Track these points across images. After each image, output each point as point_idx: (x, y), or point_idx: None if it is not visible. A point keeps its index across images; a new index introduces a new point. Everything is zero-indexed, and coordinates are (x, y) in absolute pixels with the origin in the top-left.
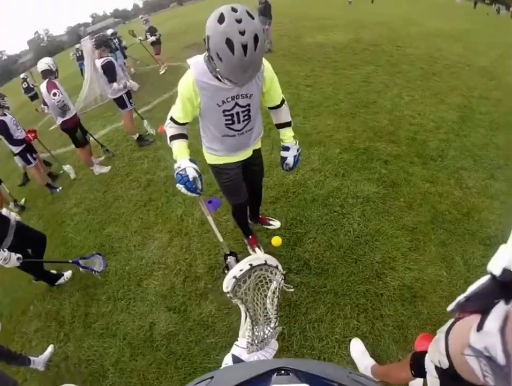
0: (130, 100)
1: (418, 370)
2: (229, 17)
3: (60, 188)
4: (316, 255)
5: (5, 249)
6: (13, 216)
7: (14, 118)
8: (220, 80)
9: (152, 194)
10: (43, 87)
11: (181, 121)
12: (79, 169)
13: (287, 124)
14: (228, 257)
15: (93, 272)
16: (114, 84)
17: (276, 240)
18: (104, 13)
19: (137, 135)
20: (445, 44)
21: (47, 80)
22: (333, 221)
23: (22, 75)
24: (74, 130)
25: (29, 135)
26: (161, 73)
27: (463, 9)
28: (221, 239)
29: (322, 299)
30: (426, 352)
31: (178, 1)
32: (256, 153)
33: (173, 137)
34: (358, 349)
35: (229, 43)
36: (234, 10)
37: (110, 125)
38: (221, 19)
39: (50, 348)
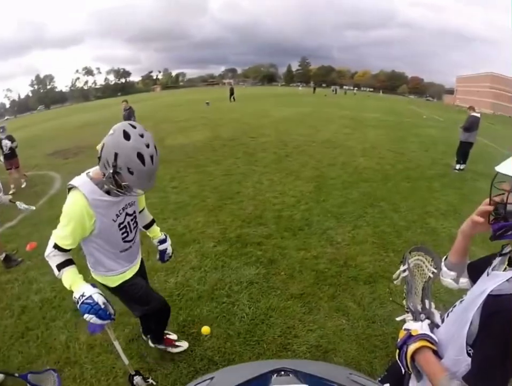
0: None
1: None
2: (133, 134)
3: None
4: (218, 349)
5: None
6: None
7: None
8: (110, 195)
9: (29, 323)
10: None
11: (68, 248)
12: None
13: (153, 221)
14: (135, 377)
15: None
16: None
17: (206, 329)
18: None
19: (3, 255)
20: (292, 128)
21: None
22: (225, 312)
23: None
24: None
25: None
26: (22, 186)
27: (304, 97)
28: (127, 362)
29: None
30: None
31: (46, 104)
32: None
33: (61, 265)
34: None
35: (140, 156)
36: (133, 127)
37: None
38: (127, 136)
39: None
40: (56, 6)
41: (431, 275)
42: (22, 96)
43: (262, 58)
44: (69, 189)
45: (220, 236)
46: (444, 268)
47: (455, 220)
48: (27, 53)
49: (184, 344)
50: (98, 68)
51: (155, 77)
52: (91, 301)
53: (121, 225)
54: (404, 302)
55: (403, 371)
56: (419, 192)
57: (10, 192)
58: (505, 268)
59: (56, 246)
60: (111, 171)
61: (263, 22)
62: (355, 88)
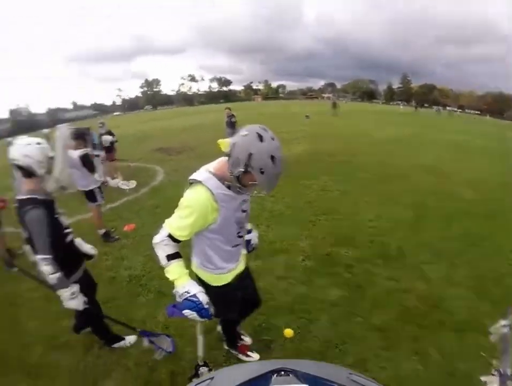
0: (102, 195)
1: None
2: (267, 137)
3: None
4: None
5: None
6: (88, 247)
7: None
8: (231, 190)
9: (115, 293)
10: None
11: (182, 239)
12: None
13: None
14: (201, 368)
15: (159, 350)
16: (96, 174)
17: (288, 332)
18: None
19: (103, 230)
20: (393, 150)
21: None
22: (301, 328)
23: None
24: None
25: None
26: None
27: (406, 116)
28: (201, 353)
29: None
30: None
31: (153, 105)
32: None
33: (171, 257)
34: None
35: (272, 159)
36: (265, 130)
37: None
38: (261, 138)
39: None
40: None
41: None
42: (133, 96)
43: (360, 73)
44: (191, 184)
45: (310, 250)
46: None
47: None
48: (134, 59)
49: (255, 356)
50: (201, 76)
51: (255, 87)
52: (196, 299)
53: (238, 221)
54: (494, 361)
55: None
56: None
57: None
58: None
59: (170, 236)
60: (242, 170)
61: (357, 35)
62: (459, 110)
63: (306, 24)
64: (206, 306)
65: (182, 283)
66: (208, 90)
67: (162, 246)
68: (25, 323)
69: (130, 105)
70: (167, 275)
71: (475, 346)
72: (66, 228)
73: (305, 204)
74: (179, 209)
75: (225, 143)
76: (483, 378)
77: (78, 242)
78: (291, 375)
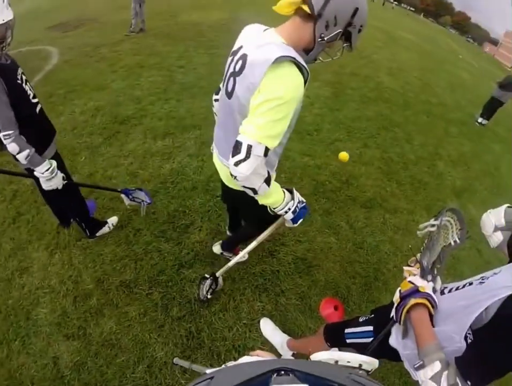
0: None
1: (332, 341)
2: None
3: None
4: (205, 244)
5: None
6: None
7: None
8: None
9: (21, 207)
10: None
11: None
12: None
13: None
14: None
15: (142, 203)
16: None
17: (344, 155)
18: None
19: None
20: None
21: None
22: (217, 207)
23: None
24: None
25: None
26: None
27: None
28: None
29: (221, 289)
30: (336, 323)
31: None
32: None
33: (269, 179)
34: (268, 328)
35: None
36: None
37: None
38: None
39: None
40: None
41: (453, 243)
42: None
43: None
44: (277, 62)
45: None
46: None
47: (462, 172)
48: None
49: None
50: None
51: None
52: (307, 206)
53: None
54: (418, 255)
55: (392, 320)
56: (435, 130)
57: None
58: None
59: (265, 152)
60: (341, 30)
61: None
62: (395, 2)
63: None
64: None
65: (291, 195)
66: None
67: (257, 174)
68: None
69: None
70: (268, 200)
71: (382, 222)
72: (33, 97)
73: (219, 75)
74: (273, 106)
75: (294, 2)
76: (405, 268)
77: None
78: (291, 375)
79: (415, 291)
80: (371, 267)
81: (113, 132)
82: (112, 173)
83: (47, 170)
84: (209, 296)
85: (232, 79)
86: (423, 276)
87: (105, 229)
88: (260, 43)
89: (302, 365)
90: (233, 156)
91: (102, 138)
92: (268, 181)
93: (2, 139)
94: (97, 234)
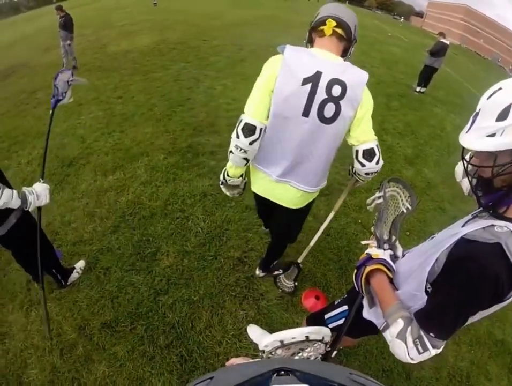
0: None
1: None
2: None
3: None
4: (176, 267)
5: None
6: None
7: None
8: None
9: None
10: None
11: None
12: None
13: None
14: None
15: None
16: None
17: None
18: None
19: None
20: (248, 32)
21: None
22: (180, 228)
23: None
24: None
25: None
26: None
27: None
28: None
29: (201, 307)
30: (317, 312)
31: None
32: None
33: None
34: (255, 333)
35: None
36: None
37: None
38: None
39: None
40: None
41: (405, 211)
42: None
43: None
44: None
45: (170, 147)
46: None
47: (411, 141)
48: None
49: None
50: None
51: None
52: None
53: None
54: (372, 228)
55: (359, 294)
56: (377, 108)
57: None
58: (486, 217)
59: None
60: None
61: None
62: None
63: None
64: None
65: None
66: None
67: None
68: None
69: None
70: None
71: (343, 205)
72: None
73: (158, 98)
74: (370, 114)
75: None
76: (363, 242)
77: None
78: (291, 375)
79: (368, 259)
80: (343, 250)
81: (63, 176)
82: (70, 217)
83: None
84: (296, 283)
85: (331, 104)
86: (379, 246)
87: (75, 275)
88: (340, 67)
89: (302, 365)
90: (372, 159)
91: (53, 184)
92: None
93: None
94: (68, 282)
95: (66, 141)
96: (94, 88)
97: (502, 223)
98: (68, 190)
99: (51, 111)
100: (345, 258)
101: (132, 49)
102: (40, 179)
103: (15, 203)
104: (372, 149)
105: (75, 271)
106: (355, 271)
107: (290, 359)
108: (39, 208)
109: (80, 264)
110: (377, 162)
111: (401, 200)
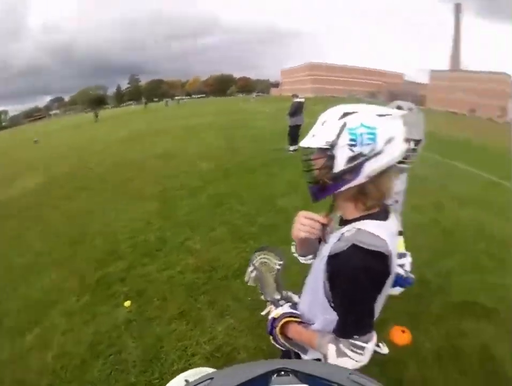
0: None
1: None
2: None
3: None
4: None
5: None
6: None
7: None
8: None
9: None
10: None
11: None
12: None
13: None
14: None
15: None
16: None
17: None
18: None
19: None
20: (126, 149)
21: None
22: (116, 364)
23: None
24: None
25: None
26: None
27: (135, 114)
28: None
29: None
30: None
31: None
32: None
33: None
34: None
35: None
36: None
37: None
38: None
39: None
40: None
41: (279, 267)
42: None
43: (88, 80)
44: None
45: (79, 286)
46: (300, 258)
47: (299, 196)
48: None
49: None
50: None
51: None
52: None
53: None
54: (262, 297)
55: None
56: (260, 179)
57: None
58: (337, 228)
59: None
60: None
61: (83, 41)
62: (187, 97)
63: (29, 35)
64: None
65: None
66: None
67: None
68: None
69: None
70: None
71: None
72: None
73: (55, 241)
74: None
75: None
76: (263, 313)
77: None
78: (291, 375)
79: (273, 321)
80: None
81: None
82: None
83: None
84: None
85: None
86: (277, 307)
87: None
88: None
89: (302, 365)
90: None
91: None
92: None
93: None
94: None
95: None
96: None
97: (347, 227)
98: None
99: None
100: None
101: (9, 197)
102: None
103: None
104: None
105: None
106: (270, 337)
107: (289, 360)
108: None
109: None
110: None
111: (271, 261)
